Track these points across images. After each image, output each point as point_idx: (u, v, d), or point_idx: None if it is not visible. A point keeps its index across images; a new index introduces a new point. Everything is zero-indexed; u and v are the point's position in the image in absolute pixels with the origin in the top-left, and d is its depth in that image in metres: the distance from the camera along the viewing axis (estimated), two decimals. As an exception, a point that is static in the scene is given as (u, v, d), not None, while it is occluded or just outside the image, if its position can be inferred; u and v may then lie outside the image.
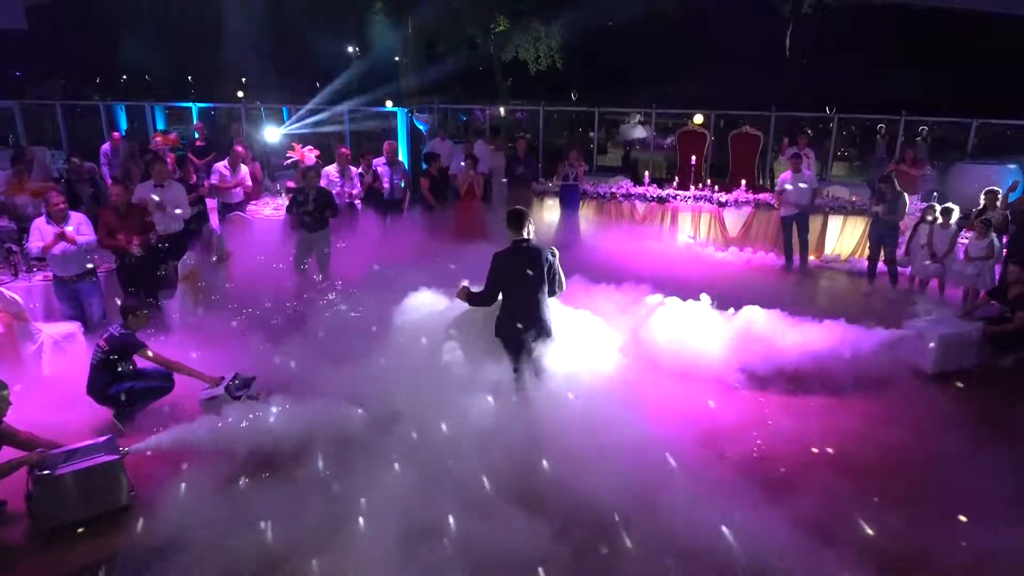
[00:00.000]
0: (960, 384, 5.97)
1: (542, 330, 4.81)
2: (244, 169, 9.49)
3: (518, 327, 4.76)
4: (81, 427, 5.03)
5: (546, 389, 4.76)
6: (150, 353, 5.18)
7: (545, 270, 4.81)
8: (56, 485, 3.95)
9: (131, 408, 5.19)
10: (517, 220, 4.82)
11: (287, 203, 8.39)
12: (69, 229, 6.34)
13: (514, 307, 4.82)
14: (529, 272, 4.76)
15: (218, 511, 3.89)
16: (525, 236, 4.82)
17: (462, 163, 10.55)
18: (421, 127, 14.74)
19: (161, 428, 4.61)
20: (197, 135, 12.04)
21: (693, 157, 11.85)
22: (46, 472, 3.96)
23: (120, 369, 5.14)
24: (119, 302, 5.73)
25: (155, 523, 3.90)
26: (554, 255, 4.90)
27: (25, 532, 4.00)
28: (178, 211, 7.61)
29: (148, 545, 3.74)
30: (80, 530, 3.96)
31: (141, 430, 4.86)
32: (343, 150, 9.94)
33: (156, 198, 7.42)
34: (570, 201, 10.62)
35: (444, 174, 10.60)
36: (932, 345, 6.19)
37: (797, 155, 9.85)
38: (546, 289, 4.86)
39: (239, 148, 9.58)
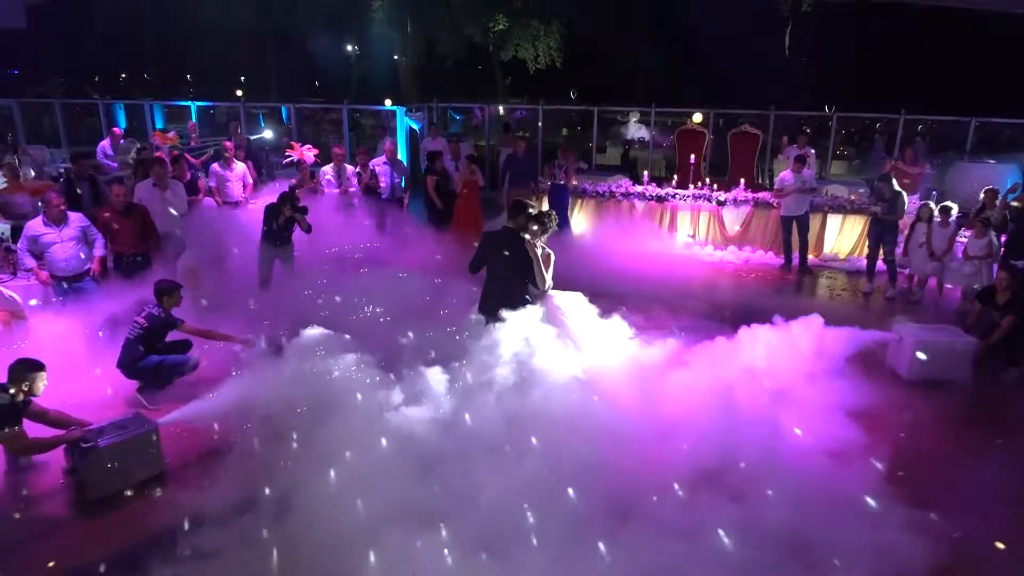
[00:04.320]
0: (931, 392, 5.88)
1: (511, 310, 4.99)
2: (241, 166, 9.49)
3: (492, 305, 5.09)
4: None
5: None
6: (187, 326, 5.55)
7: (522, 258, 5.10)
8: (101, 456, 4.26)
9: (158, 382, 5.51)
10: (512, 209, 5.34)
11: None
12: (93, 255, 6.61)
13: (491, 286, 5.28)
14: (506, 256, 5.17)
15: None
16: (512, 224, 5.24)
17: (451, 162, 10.60)
18: (415, 125, 14.75)
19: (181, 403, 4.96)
20: (190, 135, 12.06)
21: (692, 156, 11.84)
22: (91, 445, 4.26)
23: (153, 343, 5.51)
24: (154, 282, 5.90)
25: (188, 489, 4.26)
26: (539, 249, 5.09)
27: (69, 503, 4.36)
28: (173, 210, 7.64)
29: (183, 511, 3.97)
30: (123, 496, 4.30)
31: (163, 407, 5.21)
32: (337, 149, 9.94)
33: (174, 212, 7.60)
34: (559, 202, 10.53)
35: (446, 173, 10.60)
36: (910, 350, 6.07)
37: (802, 156, 9.86)
38: (525, 278, 5.15)
39: (227, 144, 9.57)
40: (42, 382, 4.36)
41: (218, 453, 4.61)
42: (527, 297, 5.16)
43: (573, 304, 5.34)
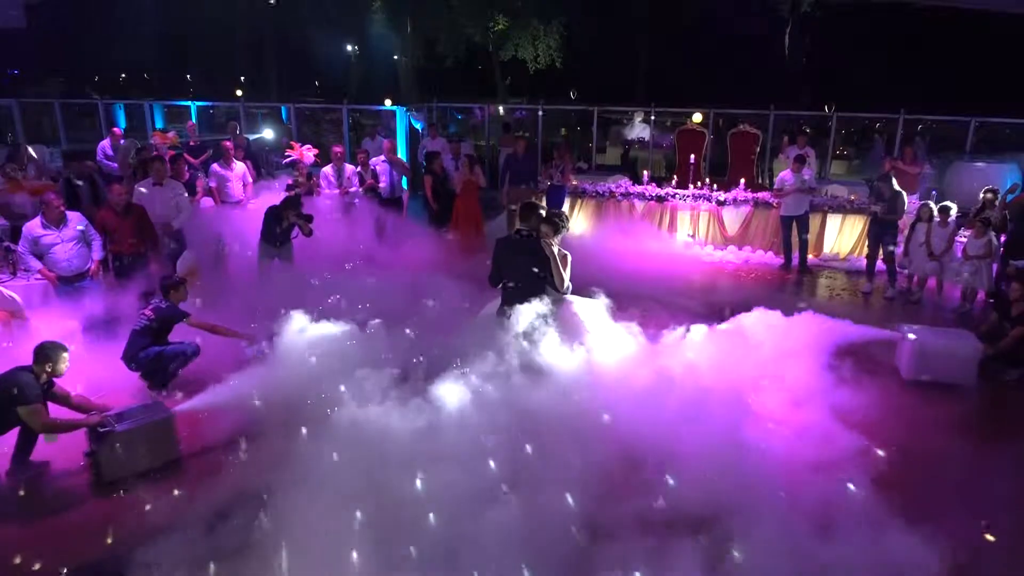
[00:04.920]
0: (932, 393, 5.85)
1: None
2: (241, 166, 9.49)
3: (510, 311, 5.08)
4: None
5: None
6: (193, 320, 5.65)
7: (538, 261, 5.09)
8: (118, 441, 4.44)
9: (162, 373, 5.58)
10: (522, 211, 5.38)
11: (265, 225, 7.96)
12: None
13: (509, 291, 5.23)
14: (522, 260, 5.15)
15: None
16: (525, 227, 5.23)
17: (452, 161, 10.62)
18: (417, 125, 14.78)
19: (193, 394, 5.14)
20: (189, 135, 12.05)
21: (692, 156, 11.84)
22: (108, 429, 4.43)
23: (159, 337, 5.61)
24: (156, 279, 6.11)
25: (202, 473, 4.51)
26: (555, 251, 5.09)
27: (86, 484, 4.54)
28: (181, 215, 7.66)
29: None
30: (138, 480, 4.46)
31: (173, 398, 5.34)
32: (337, 149, 9.93)
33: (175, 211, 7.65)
34: (556, 202, 10.58)
35: (445, 173, 10.63)
36: (914, 352, 6.06)
37: (801, 156, 9.88)
38: (544, 280, 5.12)
39: (227, 144, 9.57)
40: (64, 363, 4.53)
41: (230, 443, 4.79)
42: (546, 299, 5.11)
43: (592, 311, 5.35)
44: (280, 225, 7.55)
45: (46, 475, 4.63)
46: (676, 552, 3.58)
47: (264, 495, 3.91)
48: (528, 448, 4.20)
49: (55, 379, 4.58)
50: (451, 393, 4.53)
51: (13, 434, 4.55)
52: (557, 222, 5.18)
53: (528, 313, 4.98)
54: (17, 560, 3.77)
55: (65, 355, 4.52)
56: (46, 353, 4.44)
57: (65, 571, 3.67)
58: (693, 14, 21.87)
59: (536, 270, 5.09)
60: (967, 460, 4.83)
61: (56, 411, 4.59)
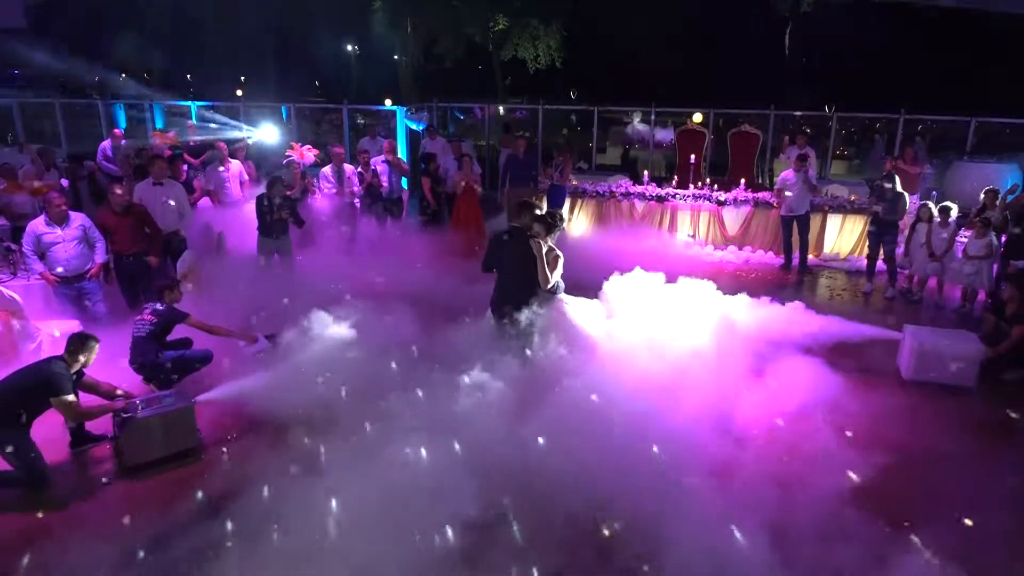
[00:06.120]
0: (932, 394, 5.86)
1: (517, 309, 5.17)
2: (237, 164, 9.49)
3: (500, 303, 5.26)
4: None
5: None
6: (193, 320, 5.60)
7: (526, 257, 5.17)
8: (140, 427, 4.57)
9: (176, 376, 5.52)
10: (516, 209, 5.54)
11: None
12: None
13: (499, 284, 5.41)
14: (512, 255, 5.29)
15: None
16: (517, 224, 5.37)
17: (453, 161, 10.61)
18: (415, 126, 14.73)
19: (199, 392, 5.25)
20: (191, 135, 12.06)
21: (692, 156, 11.84)
22: (131, 415, 4.57)
23: (160, 339, 5.53)
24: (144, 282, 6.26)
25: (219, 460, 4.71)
26: (545, 248, 5.15)
27: (110, 468, 4.68)
28: (183, 217, 7.67)
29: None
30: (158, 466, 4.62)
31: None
32: (337, 149, 9.94)
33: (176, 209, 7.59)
34: (556, 201, 10.61)
35: (441, 174, 10.63)
36: (910, 351, 6.08)
37: (803, 156, 9.88)
38: (531, 277, 5.19)
39: (220, 145, 9.57)
40: (95, 353, 4.67)
41: (250, 433, 4.99)
42: (534, 296, 5.17)
43: (584, 312, 5.36)
44: (271, 213, 7.56)
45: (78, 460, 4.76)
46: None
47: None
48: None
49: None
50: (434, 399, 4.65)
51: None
52: (550, 222, 5.22)
53: (516, 312, 5.09)
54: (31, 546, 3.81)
55: (95, 346, 4.65)
56: (79, 343, 4.57)
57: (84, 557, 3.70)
58: (693, 13, 21.85)
59: (521, 267, 5.18)
60: (968, 461, 4.81)
61: (83, 398, 4.69)
